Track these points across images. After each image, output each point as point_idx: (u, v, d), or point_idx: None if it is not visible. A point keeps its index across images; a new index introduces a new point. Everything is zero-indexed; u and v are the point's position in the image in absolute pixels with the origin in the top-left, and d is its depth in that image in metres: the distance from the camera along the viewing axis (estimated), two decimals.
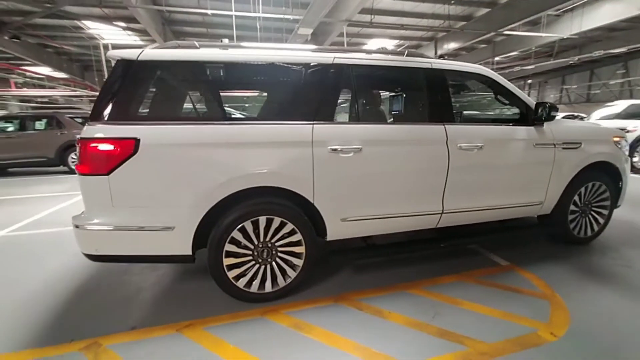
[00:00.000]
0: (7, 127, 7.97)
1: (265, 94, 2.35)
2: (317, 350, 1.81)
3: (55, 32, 12.11)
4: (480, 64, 15.07)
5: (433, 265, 2.82)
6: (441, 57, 6.16)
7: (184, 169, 1.96)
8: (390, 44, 15.69)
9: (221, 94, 2.37)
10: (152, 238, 1.99)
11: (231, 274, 2.14)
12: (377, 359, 1.74)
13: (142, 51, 1.98)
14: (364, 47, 15.47)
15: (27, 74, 17.33)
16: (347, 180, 2.25)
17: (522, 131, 2.70)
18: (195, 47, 2.10)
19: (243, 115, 2.38)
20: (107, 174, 1.86)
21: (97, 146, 1.85)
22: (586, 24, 11.45)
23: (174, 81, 2.22)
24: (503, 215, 2.82)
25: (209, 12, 9.10)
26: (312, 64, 2.25)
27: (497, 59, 16.51)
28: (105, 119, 1.90)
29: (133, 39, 12.96)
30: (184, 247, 2.03)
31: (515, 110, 2.84)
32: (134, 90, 1.97)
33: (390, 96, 3.12)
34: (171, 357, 1.77)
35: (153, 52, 2.01)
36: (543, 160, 2.76)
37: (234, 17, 9.51)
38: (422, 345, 1.84)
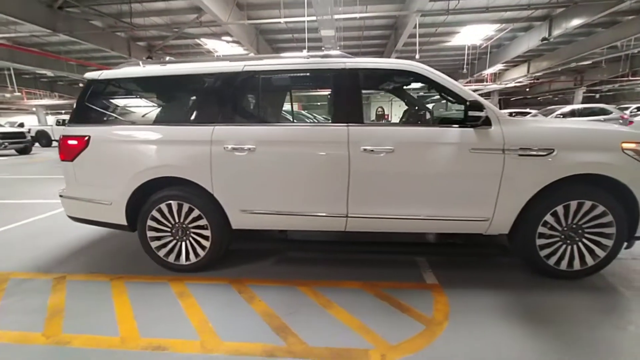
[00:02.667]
0: None
1: (190, 100, 2.79)
2: (174, 314, 2.18)
3: (182, 50, 15.40)
4: (627, 42, 11.77)
5: (355, 269, 2.75)
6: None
7: (117, 159, 2.61)
8: (490, 29, 13.71)
9: (154, 101, 2.95)
10: (100, 209, 2.72)
11: (154, 245, 2.70)
12: (206, 329, 2.01)
13: (102, 72, 2.72)
14: (456, 36, 14.01)
15: None
16: (242, 176, 2.50)
17: (450, 133, 2.34)
18: (139, 65, 2.72)
19: (164, 118, 2.84)
20: (72, 160, 2.67)
21: (67, 141, 2.67)
22: None
23: (120, 92, 2.87)
24: (432, 228, 2.51)
25: (282, 20, 10.05)
26: (223, 73, 2.58)
27: None
28: (76, 121, 2.71)
29: (237, 50, 15.27)
30: (120, 219, 2.69)
31: (460, 109, 2.45)
32: (94, 100, 2.73)
33: (298, 98, 3.08)
34: (88, 294, 2.45)
35: (109, 72, 2.73)
36: (484, 169, 2.32)
37: (305, 22, 10.19)
38: (251, 330, 1.99)
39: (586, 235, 2.40)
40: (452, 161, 2.34)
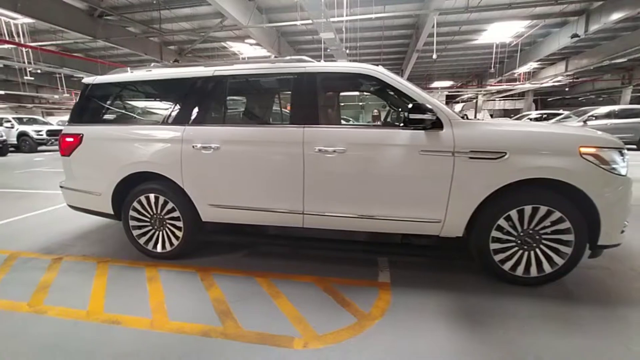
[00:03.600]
0: None
1: (167, 102, 3.04)
2: (139, 294, 2.43)
3: (209, 53, 16.16)
4: None
5: (316, 264, 2.87)
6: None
7: (103, 155, 2.93)
8: (520, 26, 13.02)
9: (137, 103, 3.24)
10: (92, 199, 3.06)
11: (135, 233, 2.99)
12: (160, 309, 2.22)
13: (96, 77, 3.06)
14: (483, 34, 13.47)
15: None
16: (208, 172, 2.71)
17: (400, 135, 2.38)
18: (127, 72, 3.03)
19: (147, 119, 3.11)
20: (69, 156, 3.03)
21: (65, 138, 3.03)
22: None
23: (109, 95, 3.18)
24: (386, 228, 2.55)
25: (298, 23, 10.27)
26: (196, 77, 2.80)
27: None
28: (73, 121, 3.07)
29: (260, 52, 15.76)
30: (108, 208, 3.01)
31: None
32: (88, 102, 3.07)
33: (261, 100, 3.21)
34: (75, 273, 2.78)
35: (102, 77, 3.06)
36: (434, 171, 2.34)
37: (322, 23, 10.33)
38: (198, 313, 2.18)
39: (543, 241, 2.34)
40: (402, 162, 2.39)
